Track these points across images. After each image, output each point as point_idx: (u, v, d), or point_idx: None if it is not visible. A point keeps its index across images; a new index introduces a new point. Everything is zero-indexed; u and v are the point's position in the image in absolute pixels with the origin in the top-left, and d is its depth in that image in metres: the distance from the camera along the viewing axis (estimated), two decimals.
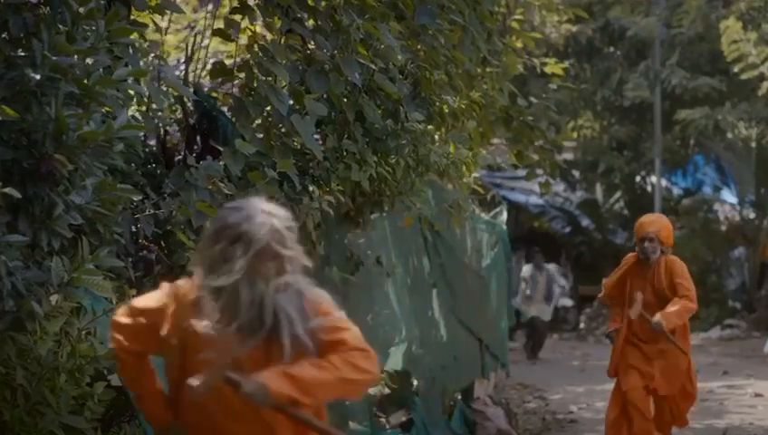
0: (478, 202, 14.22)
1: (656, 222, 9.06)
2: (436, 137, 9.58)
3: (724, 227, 24.77)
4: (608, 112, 24.34)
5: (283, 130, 6.94)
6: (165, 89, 6.40)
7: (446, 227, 10.34)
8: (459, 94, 8.68)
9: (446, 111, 8.67)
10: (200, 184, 6.20)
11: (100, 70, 4.63)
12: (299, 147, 7.23)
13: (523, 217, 26.45)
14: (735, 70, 18.83)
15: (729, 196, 25.48)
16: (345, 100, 7.38)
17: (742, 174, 24.33)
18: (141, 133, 7.46)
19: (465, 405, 11.09)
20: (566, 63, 16.44)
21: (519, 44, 11.92)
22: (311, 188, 7.00)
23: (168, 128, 8.32)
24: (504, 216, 13.07)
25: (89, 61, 4.59)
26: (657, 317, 8.52)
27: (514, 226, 23.55)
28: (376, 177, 7.61)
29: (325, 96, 7.34)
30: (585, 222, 25.94)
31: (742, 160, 24.24)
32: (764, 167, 23.28)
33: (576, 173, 26.35)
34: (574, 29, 19.08)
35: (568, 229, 26.04)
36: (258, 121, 7.12)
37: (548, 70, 12.38)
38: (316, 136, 7.30)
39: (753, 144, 24.06)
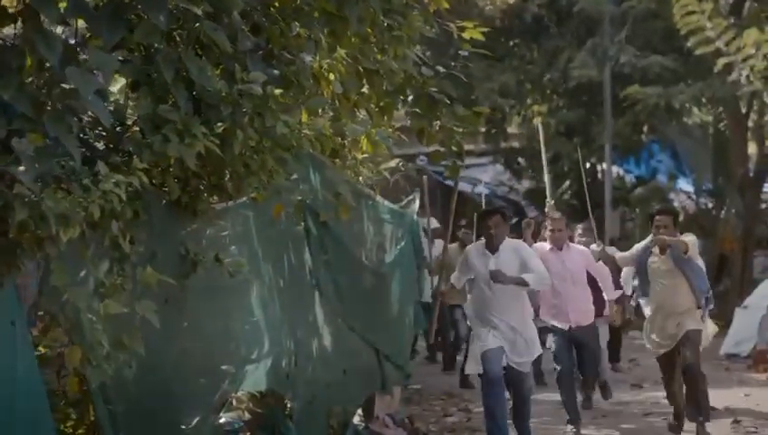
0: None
1: None
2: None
3: (680, 218, 23.31)
4: (555, 95, 22.76)
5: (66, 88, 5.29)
6: None
7: (335, 216, 8.68)
8: (320, 51, 7.03)
9: (313, 71, 7.06)
10: None
11: None
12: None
13: (468, 207, 24.93)
14: (689, 45, 17.08)
15: (685, 184, 24.10)
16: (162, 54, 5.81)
17: (699, 161, 22.96)
18: None
19: (363, 427, 9.52)
20: (511, 43, 14.90)
21: (432, 7, 10.30)
22: (97, 168, 5.31)
23: None
24: (417, 205, 11.34)
25: None
26: None
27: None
28: (205, 153, 5.97)
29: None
30: (532, 213, 24.41)
31: (699, 146, 22.84)
32: (722, 153, 21.81)
33: (522, 160, 24.85)
34: (511, 1, 17.45)
35: (514, 220, 24.50)
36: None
37: (466, 35, 10.74)
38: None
39: (711, 129, 22.60)
